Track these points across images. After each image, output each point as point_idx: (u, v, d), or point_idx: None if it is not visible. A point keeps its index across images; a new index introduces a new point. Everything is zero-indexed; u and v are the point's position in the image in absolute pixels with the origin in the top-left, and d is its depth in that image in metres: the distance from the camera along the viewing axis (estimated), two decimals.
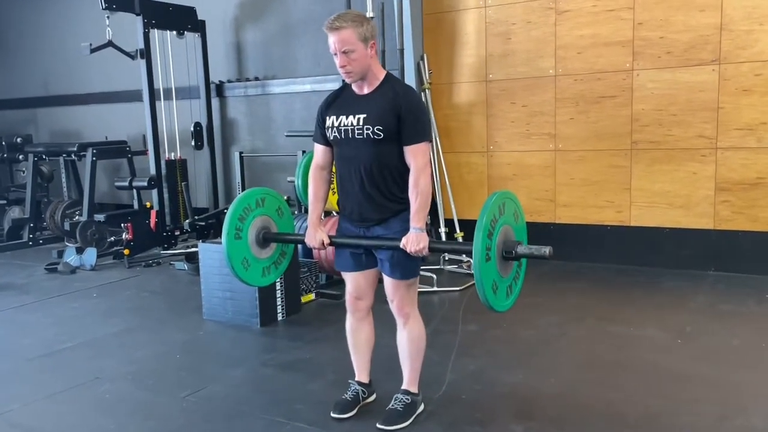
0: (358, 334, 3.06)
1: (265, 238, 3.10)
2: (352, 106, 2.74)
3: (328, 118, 2.80)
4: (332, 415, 2.98)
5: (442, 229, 5.85)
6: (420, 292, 4.82)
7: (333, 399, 3.05)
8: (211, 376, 3.54)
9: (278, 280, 4.39)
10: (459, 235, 5.77)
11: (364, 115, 2.69)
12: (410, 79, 5.87)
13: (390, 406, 2.94)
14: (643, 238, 5.44)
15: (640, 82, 5.31)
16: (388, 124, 2.66)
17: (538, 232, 5.79)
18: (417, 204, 2.67)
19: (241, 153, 6.59)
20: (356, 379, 3.11)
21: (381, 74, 2.73)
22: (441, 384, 3.26)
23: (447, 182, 5.92)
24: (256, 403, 3.18)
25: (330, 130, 2.78)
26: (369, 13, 5.46)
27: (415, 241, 2.64)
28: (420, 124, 2.68)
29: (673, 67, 5.18)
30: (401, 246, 2.67)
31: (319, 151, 2.89)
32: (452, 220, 5.86)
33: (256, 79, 7.17)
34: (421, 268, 5.16)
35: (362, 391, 3.08)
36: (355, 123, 2.71)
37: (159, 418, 3.07)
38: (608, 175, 5.52)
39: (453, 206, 5.87)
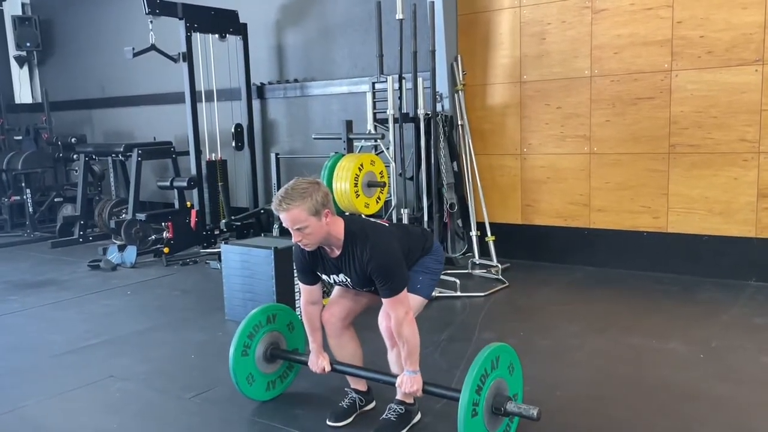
0: (341, 352, 3.08)
1: (272, 355, 3.21)
2: (335, 267, 2.79)
3: (320, 274, 2.86)
4: (327, 422, 2.99)
5: (474, 233, 5.77)
6: (442, 297, 4.84)
7: (333, 405, 3.06)
8: (220, 377, 3.57)
9: (296, 282, 4.45)
10: (490, 239, 5.68)
11: (349, 279, 2.77)
12: (443, 81, 5.81)
13: (384, 415, 2.92)
14: (680, 246, 5.23)
15: (679, 83, 5.10)
16: (371, 283, 2.72)
17: (571, 237, 5.70)
18: (405, 352, 2.71)
19: (277, 154, 6.66)
20: (352, 387, 3.10)
21: (341, 234, 2.69)
22: None
23: (479, 185, 5.83)
24: (257, 408, 3.21)
25: (328, 282, 2.90)
26: (399, 15, 5.43)
27: (409, 383, 2.72)
28: (390, 280, 2.65)
29: (714, 67, 4.95)
30: (396, 385, 2.77)
31: (307, 290, 2.94)
32: (484, 224, 5.76)
33: (296, 81, 7.24)
34: (447, 272, 5.19)
35: (359, 398, 3.08)
36: (346, 280, 2.80)
37: (160, 419, 3.15)
38: (645, 180, 5.33)
39: (485, 209, 5.77)
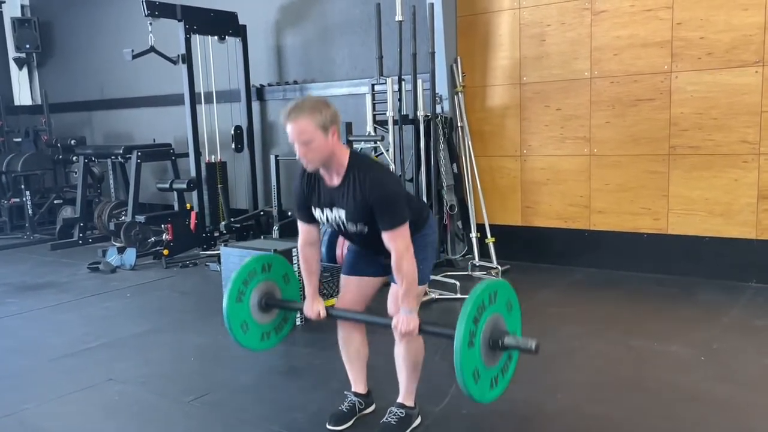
0: (348, 346, 3.05)
1: (267, 304, 3.15)
2: (330, 199, 2.72)
3: (313, 208, 2.79)
4: (327, 426, 2.97)
5: (474, 234, 5.76)
6: (443, 299, 4.83)
7: (332, 409, 3.04)
8: (219, 381, 3.58)
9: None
10: (490, 240, 5.67)
11: (344, 211, 2.69)
12: (442, 83, 5.80)
13: (384, 419, 2.91)
14: (680, 247, 5.22)
15: (679, 84, 5.09)
16: (368, 217, 2.64)
17: (571, 238, 5.69)
18: (404, 288, 2.64)
19: (276, 156, 6.66)
20: (353, 390, 3.09)
21: (345, 159, 2.65)
22: (443, 397, 3.22)
23: (479, 187, 5.82)
24: (256, 411, 3.21)
25: (320, 220, 2.81)
26: (398, 17, 5.43)
27: (405, 323, 2.65)
28: (391, 211, 2.60)
29: (714, 68, 4.95)
30: (393, 326, 2.69)
31: (305, 230, 2.88)
32: (484, 225, 5.75)
33: (295, 82, 7.24)
34: (447, 274, 5.19)
35: (359, 402, 3.06)
36: (340, 216, 2.72)
37: (160, 422, 3.14)
38: (645, 181, 5.32)
39: (485, 211, 5.77)
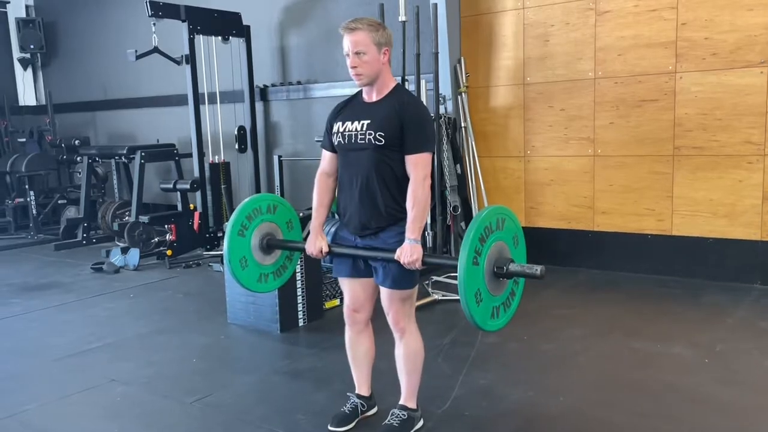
0: (356, 347, 3.04)
1: (268, 245, 3.09)
2: (360, 113, 2.75)
3: (335, 124, 2.81)
4: (329, 428, 2.96)
5: None
6: (445, 301, 4.82)
7: (335, 410, 3.04)
8: (222, 382, 3.58)
9: (300, 285, 4.43)
10: None
11: (368, 121, 2.70)
12: (446, 83, 5.80)
13: (386, 421, 2.90)
14: (685, 249, 5.20)
15: (684, 85, 5.07)
16: (391, 131, 2.65)
17: (575, 239, 5.67)
18: (413, 214, 2.63)
19: (280, 157, 6.66)
20: (356, 392, 3.08)
21: (391, 83, 2.74)
22: (446, 399, 3.20)
23: (482, 187, 5.82)
24: (258, 412, 3.20)
25: (336, 135, 2.79)
26: (402, 17, 5.42)
27: (408, 252, 2.60)
28: (423, 135, 2.66)
29: (719, 69, 4.93)
30: (395, 258, 2.64)
31: (326, 158, 2.90)
32: None
33: (299, 83, 7.23)
34: (450, 275, 5.17)
35: (361, 404, 3.06)
36: (359, 128, 2.72)
37: (161, 424, 3.13)
38: (649, 182, 5.30)
39: None
